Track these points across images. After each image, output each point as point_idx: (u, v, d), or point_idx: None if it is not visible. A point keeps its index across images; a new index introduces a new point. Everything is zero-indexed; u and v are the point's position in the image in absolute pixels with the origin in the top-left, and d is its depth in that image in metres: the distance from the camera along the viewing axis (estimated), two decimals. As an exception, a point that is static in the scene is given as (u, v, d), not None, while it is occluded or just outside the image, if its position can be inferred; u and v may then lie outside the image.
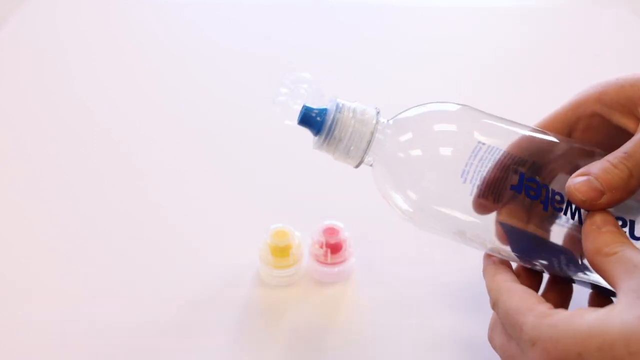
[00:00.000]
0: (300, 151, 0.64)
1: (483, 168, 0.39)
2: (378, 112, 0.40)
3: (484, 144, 0.39)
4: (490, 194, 0.39)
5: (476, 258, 0.53)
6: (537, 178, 0.39)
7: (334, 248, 0.50)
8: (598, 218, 0.36)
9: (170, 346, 0.47)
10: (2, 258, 0.53)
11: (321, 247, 0.50)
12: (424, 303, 0.50)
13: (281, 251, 0.50)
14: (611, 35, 0.81)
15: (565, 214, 0.38)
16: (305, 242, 0.51)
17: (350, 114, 0.39)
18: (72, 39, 0.80)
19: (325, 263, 0.50)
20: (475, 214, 0.40)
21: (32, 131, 0.66)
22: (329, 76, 0.73)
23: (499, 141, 0.39)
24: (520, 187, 0.38)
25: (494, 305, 0.38)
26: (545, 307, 0.35)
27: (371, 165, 0.41)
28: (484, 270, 0.41)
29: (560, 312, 0.34)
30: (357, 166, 0.41)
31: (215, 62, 0.76)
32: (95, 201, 0.58)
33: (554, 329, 0.33)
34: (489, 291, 0.39)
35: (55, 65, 0.76)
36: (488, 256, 0.42)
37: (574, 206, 0.38)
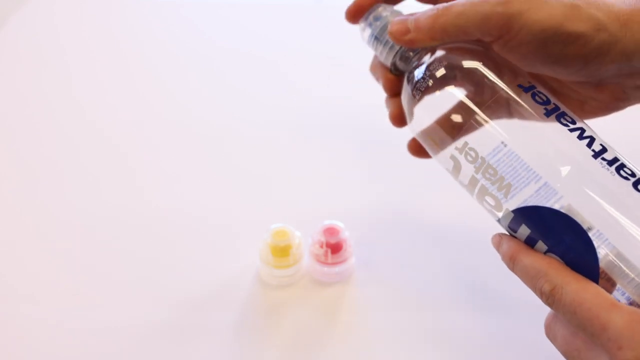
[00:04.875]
0: (300, 151, 0.64)
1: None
2: None
3: None
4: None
5: (476, 258, 0.53)
6: None
7: (334, 248, 0.50)
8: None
9: (170, 346, 0.47)
10: (2, 258, 0.53)
11: (321, 247, 0.50)
12: (423, 303, 0.50)
13: (281, 251, 0.50)
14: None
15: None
16: (305, 242, 0.51)
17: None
18: (71, 39, 0.80)
19: (325, 263, 0.50)
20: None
21: (32, 131, 0.66)
22: (329, 76, 0.73)
23: None
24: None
25: (555, 289, 0.34)
26: (630, 308, 0.32)
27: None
28: (520, 252, 0.36)
29: None
30: (392, 70, 0.44)
31: (215, 62, 0.76)
32: (95, 201, 0.58)
33: None
34: (537, 272, 0.35)
35: (55, 65, 0.75)
36: (510, 236, 0.38)
37: None
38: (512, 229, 0.37)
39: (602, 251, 0.34)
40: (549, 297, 0.34)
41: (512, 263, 0.37)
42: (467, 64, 0.39)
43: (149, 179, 0.61)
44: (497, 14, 0.37)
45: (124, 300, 0.50)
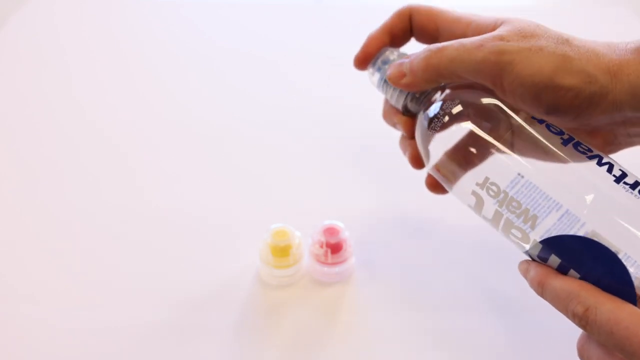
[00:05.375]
0: (300, 151, 0.64)
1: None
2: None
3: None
4: None
5: (477, 258, 0.53)
6: None
7: (334, 248, 0.50)
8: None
9: (170, 346, 0.47)
10: (2, 258, 0.53)
11: (321, 247, 0.50)
12: (423, 303, 0.50)
13: (281, 251, 0.50)
14: (611, 35, 0.81)
15: None
16: (305, 242, 0.51)
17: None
18: (71, 39, 0.80)
19: (325, 263, 0.50)
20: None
21: (32, 131, 0.66)
22: (329, 76, 0.73)
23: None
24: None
25: (588, 310, 0.33)
26: None
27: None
28: (549, 277, 0.36)
29: None
30: (405, 113, 0.45)
31: (215, 62, 0.76)
32: (95, 201, 0.58)
33: None
34: (569, 295, 0.34)
35: (55, 65, 0.75)
36: (538, 263, 0.37)
37: None
38: (543, 258, 0.36)
39: (634, 272, 0.33)
40: (582, 319, 0.33)
41: (541, 288, 0.36)
42: (484, 100, 0.39)
43: (149, 179, 0.61)
44: (490, 62, 0.38)
45: (124, 300, 0.50)
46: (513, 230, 0.37)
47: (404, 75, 0.42)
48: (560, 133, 0.38)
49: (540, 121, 0.38)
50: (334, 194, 0.59)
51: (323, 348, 0.47)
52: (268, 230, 0.50)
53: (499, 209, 0.37)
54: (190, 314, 0.49)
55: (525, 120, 0.38)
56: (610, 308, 0.33)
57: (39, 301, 0.50)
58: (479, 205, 0.38)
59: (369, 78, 0.46)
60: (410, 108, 0.44)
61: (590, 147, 0.37)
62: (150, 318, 0.48)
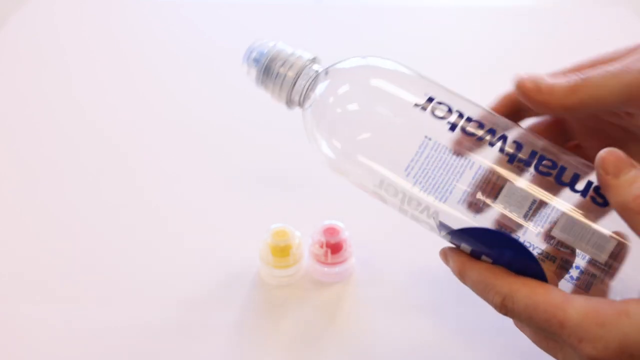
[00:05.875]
0: (300, 151, 0.64)
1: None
2: (313, 59, 0.43)
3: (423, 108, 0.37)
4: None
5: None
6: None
7: (334, 248, 0.50)
8: (610, 164, 0.34)
9: (170, 346, 0.47)
10: (2, 258, 0.53)
11: (321, 247, 0.50)
12: (423, 303, 0.50)
13: (281, 251, 0.50)
14: (611, 35, 0.81)
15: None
16: (305, 242, 0.51)
17: (283, 57, 0.43)
18: (71, 39, 0.80)
19: (325, 263, 0.50)
20: (396, 169, 0.37)
21: (32, 131, 0.66)
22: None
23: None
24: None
25: (505, 300, 0.34)
26: (582, 299, 0.32)
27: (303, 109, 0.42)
28: (465, 267, 0.37)
29: (606, 304, 0.32)
30: (287, 107, 0.43)
31: (215, 62, 0.76)
32: (95, 201, 0.58)
33: (604, 328, 0.31)
34: (485, 286, 0.35)
35: (55, 65, 0.75)
36: (455, 251, 0.38)
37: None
38: (456, 244, 0.38)
39: (535, 251, 0.35)
40: (502, 308, 0.35)
41: (462, 278, 0.37)
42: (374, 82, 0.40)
43: (149, 179, 0.61)
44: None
45: (124, 300, 0.50)
46: (421, 223, 0.38)
47: (539, 91, 0.37)
48: (443, 118, 0.37)
49: (430, 99, 0.38)
50: (334, 194, 0.59)
51: (323, 348, 0.47)
52: (268, 230, 0.50)
53: (401, 206, 0.38)
54: (190, 313, 0.49)
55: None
56: (525, 294, 0.34)
57: (39, 301, 0.50)
58: (384, 201, 0.39)
59: (247, 74, 0.45)
60: (294, 98, 0.42)
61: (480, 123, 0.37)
62: (150, 318, 0.48)
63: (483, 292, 0.36)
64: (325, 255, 0.50)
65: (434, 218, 0.37)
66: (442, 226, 0.37)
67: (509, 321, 0.49)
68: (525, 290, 0.34)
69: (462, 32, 0.83)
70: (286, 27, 0.83)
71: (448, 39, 0.81)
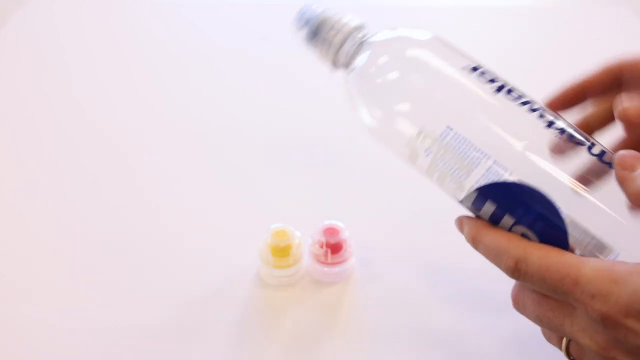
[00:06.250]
0: (300, 151, 0.64)
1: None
2: (361, 25, 0.45)
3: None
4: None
5: (477, 257, 0.53)
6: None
7: (334, 248, 0.50)
8: (627, 161, 0.35)
9: (170, 346, 0.47)
10: (2, 258, 0.53)
11: (321, 247, 0.50)
12: (423, 303, 0.50)
13: (281, 251, 0.50)
14: (611, 35, 0.81)
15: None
16: (305, 242, 0.51)
17: (333, 20, 0.45)
18: (71, 39, 0.80)
19: (325, 263, 0.50)
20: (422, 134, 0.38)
21: (32, 131, 0.66)
22: (329, 76, 0.73)
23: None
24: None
25: (518, 263, 0.34)
26: (596, 259, 0.33)
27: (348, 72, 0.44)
28: (480, 232, 0.37)
29: (620, 264, 0.32)
30: (332, 69, 0.45)
31: (215, 62, 0.76)
32: (95, 201, 0.58)
33: (617, 284, 0.32)
34: (498, 250, 0.36)
35: (55, 65, 0.76)
36: (470, 218, 0.38)
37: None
38: (477, 207, 0.37)
39: (566, 215, 0.35)
40: (514, 272, 0.35)
41: (475, 244, 0.37)
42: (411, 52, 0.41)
43: (149, 179, 0.61)
44: None
45: (124, 300, 0.50)
46: (447, 180, 0.38)
47: None
48: (492, 81, 0.39)
49: (475, 68, 0.40)
50: (334, 194, 0.59)
51: (323, 348, 0.47)
52: (268, 230, 0.50)
53: (432, 160, 0.38)
54: (190, 313, 0.49)
55: (458, 71, 0.40)
56: (539, 255, 0.34)
57: (39, 301, 0.50)
58: (413, 157, 0.39)
59: (297, 35, 0.47)
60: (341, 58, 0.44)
61: (523, 93, 0.38)
62: (150, 318, 0.48)
63: (496, 257, 0.36)
64: (325, 255, 0.50)
65: (465, 172, 0.37)
66: (469, 181, 0.37)
67: (509, 321, 0.49)
68: (539, 252, 0.34)
69: (462, 32, 0.82)
70: (286, 27, 0.83)
71: (448, 39, 0.81)
